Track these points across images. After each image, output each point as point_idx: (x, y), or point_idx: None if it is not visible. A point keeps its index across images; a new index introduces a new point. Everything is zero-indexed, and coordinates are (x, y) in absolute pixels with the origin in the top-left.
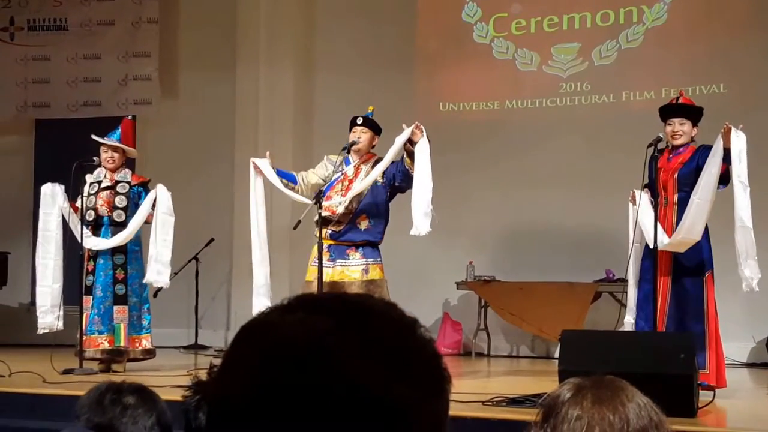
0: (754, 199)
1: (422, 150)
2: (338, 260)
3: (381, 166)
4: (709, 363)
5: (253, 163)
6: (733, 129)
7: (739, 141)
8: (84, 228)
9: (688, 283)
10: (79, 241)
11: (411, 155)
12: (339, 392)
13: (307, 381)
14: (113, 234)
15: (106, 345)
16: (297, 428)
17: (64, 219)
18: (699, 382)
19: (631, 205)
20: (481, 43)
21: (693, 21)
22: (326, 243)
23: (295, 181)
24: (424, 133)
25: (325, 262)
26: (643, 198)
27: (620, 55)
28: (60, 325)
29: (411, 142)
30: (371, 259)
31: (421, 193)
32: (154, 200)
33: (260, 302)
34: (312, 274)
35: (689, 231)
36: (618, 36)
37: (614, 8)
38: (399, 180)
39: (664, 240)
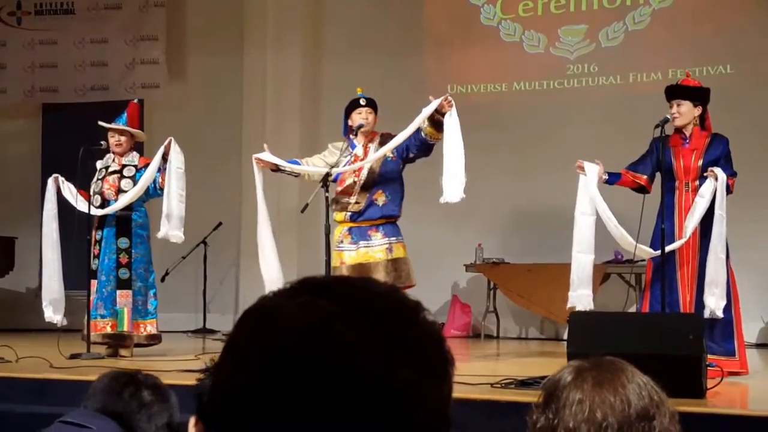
0: (760, 183)
1: (453, 120)
2: (361, 242)
3: (400, 137)
4: (738, 350)
5: (256, 159)
6: (717, 171)
7: (720, 179)
8: (91, 204)
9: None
10: (87, 212)
11: (435, 125)
12: (342, 375)
13: (310, 365)
14: (119, 217)
15: (109, 329)
16: (300, 412)
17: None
18: (708, 363)
19: (582, 175)
20: (488, 26)
21: (699, 2)
22: (347, 226)
23: (299, 165)
24: (453, 106)
25: (347, 245)
26: (587, 167)
27: (627, 36)
28: (64, 321)
29: (438, 113)
30: (393, 238)
31: (455, 160)
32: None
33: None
34: (337, 259)
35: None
36: (625, 17)
37: None
38: (414, 150)
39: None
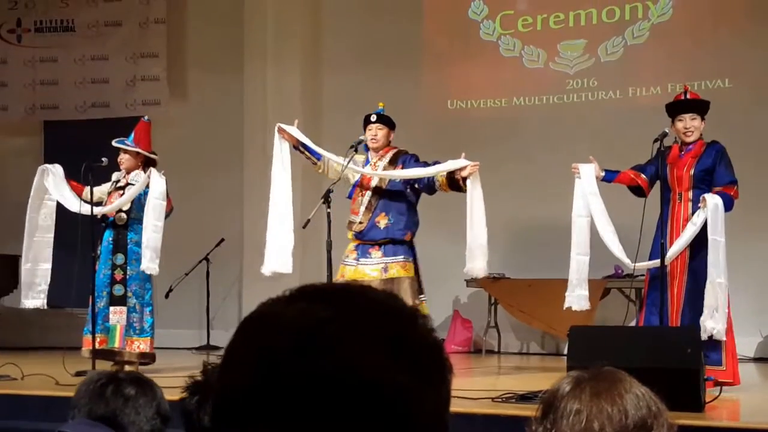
0: (757, 196)
1: (478, 191)
2: (361, 259)
3: (413, 172)
4: (726, 361)
5: (279, 127)
6: (708, 198)
7: (715, 206)
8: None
9: (704, 281)
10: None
11: (451, 182)
12: (340, 381)
13: (308, 369)
14: (116, 234)
15: (97, 345)
16: (299, 417)
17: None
18: (706, 377)
19: (577, 178)
20: (488, 41)
21: (698, 16)
22: (354, 243)
23: (319, 158)
24: (477, 174)
25: (350, 260)
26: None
27: (626, 51)
28: (44, 304)
29: (459, 171)
30: (392, 257)
31: (479, 236)
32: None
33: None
34: (340, 273)
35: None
36: (624, 32)
37: (620, 4)
38: (421, 186)
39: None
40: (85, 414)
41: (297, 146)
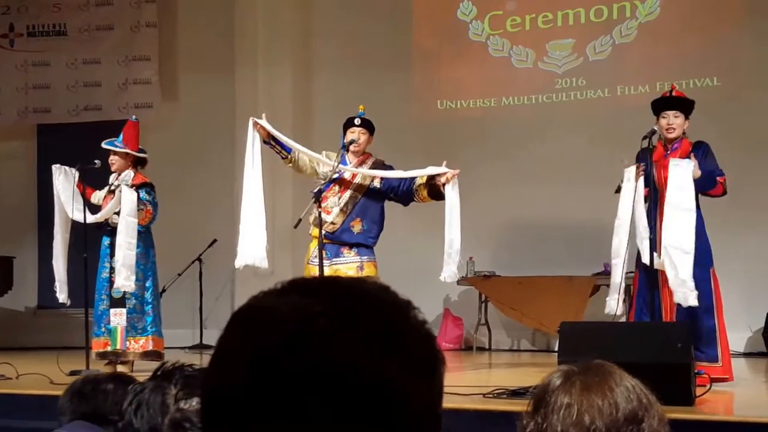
0: (746, 193)
1: (455, 196)
2: (334, 258)
3: (393, 174)
4: (722, 356)
5: (253, 120)
6: (671, 162)
7: (680, 170)
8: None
9: (696, 278)
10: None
11: (430, 189)
12: (332, 374)
13: (299, 363)
14: (112, 237)
15: (101, 348)
16: (290, 410)
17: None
18: (697, 371)
19: (627, 181)
20: (476, 41)
21: (685, 15)
22: (324, 242)
23: (289, 152)
24: (457, 182)
25: (318, 261)
26: (638, 185)
27: (614, 50)
28: (67, 300)
29: (438, 178)
30: (366, 257)
31: (453, 243)
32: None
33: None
34: (310, 273)
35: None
36: (612, 31)
37: (607, 4)
38: (398, 194)
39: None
40: (70, 414)
41: (268, 140)
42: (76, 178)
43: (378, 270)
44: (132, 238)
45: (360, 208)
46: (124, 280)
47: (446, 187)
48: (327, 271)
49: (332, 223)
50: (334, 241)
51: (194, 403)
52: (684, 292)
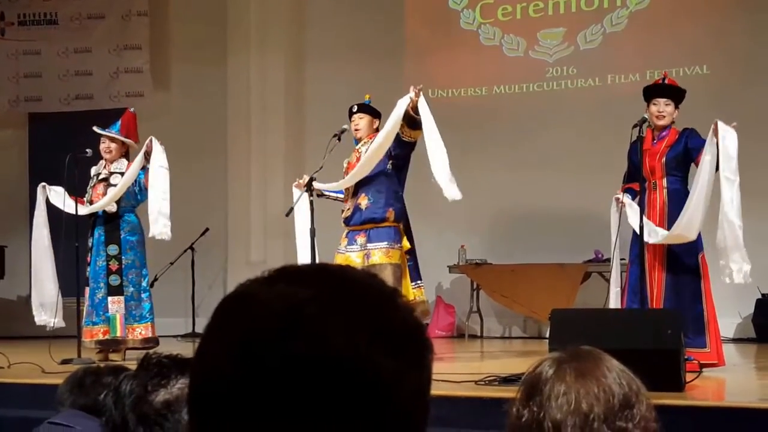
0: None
1: (428, 114)
2: (348, 246)
3: (381, 136)
4: (710, 342)
5: (299, 183)
6: (720, 127)
7: (728, 138)
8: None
9: (683, 264)
10: (75, 213)
11: (409, 123)
12: (319, 363)
13: (283, 350)
14: (108, 224)
15: (101, 336)
16: (274, 398)
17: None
18: (686, 357)
19: (614, 205)
20: (468, 30)
21: (676, 3)
22: (346, 230)
23: (343, 193)
24: (422, 95)
25: (342, 248)
26: (626, 201)
27: (605, 38)
28: (62, 323)
29: (413, 110)
30: (375, 243)
31: (439, 160)
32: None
33: None
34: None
35: (687, 229)
36: (603, 20)
37: None
38: (394, 149)
39: (659, 233)
40: (69, 405)
41: (320, 194)
42: (66, 196)
43: (398, 255)
44: (166, 189)
45: (362, 183)
46: (163, 227)
47: (418, 109)
48: (339, 260)
49: (348, 209)
50: (353, 226)
51: (162, 394)
52: (740, 266)
